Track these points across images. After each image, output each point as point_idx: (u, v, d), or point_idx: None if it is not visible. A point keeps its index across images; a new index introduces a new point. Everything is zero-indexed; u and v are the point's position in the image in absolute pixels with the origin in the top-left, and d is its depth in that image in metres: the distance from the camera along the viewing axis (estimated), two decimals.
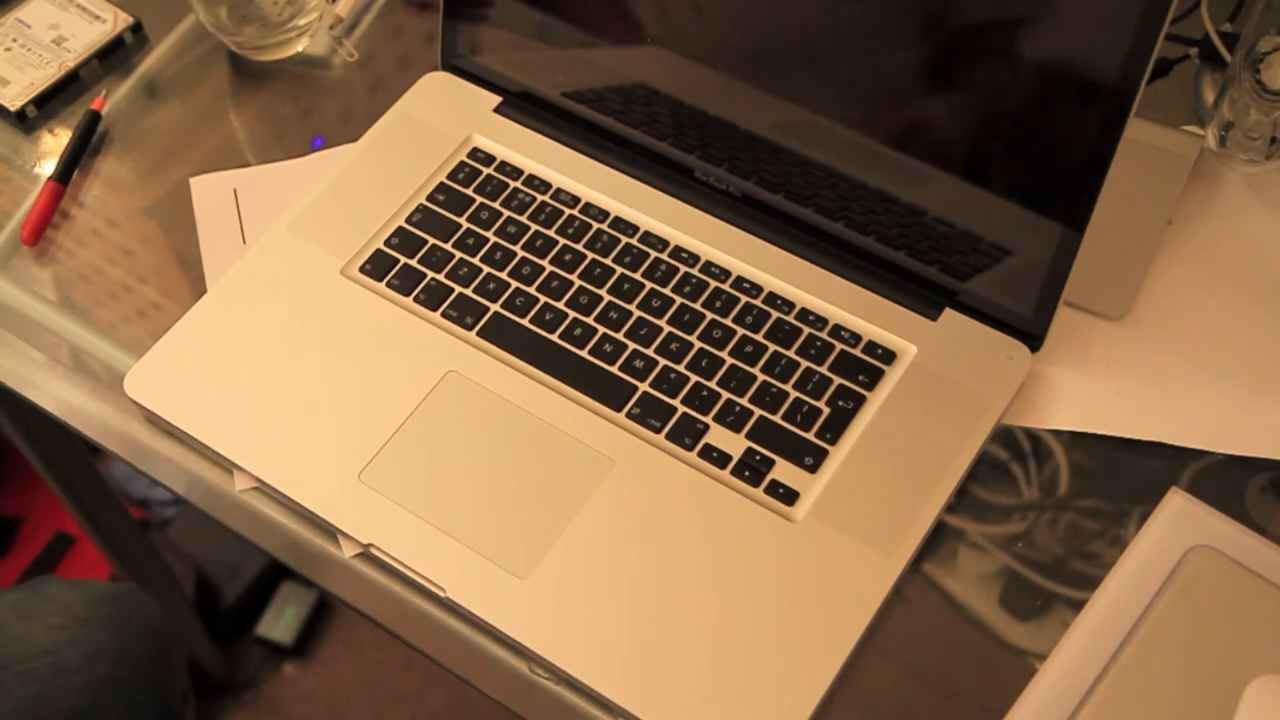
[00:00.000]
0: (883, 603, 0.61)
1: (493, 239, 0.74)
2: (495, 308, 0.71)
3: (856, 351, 0.69)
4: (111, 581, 1.30)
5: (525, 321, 0.71)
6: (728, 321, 0.70)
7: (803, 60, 0.68)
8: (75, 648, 0.91)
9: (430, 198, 0.76)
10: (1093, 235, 0.63)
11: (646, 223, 0.74)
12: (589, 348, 0.69)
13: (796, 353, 0.69)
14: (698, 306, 0.71)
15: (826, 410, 0.67)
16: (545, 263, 0.73)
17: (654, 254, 0.73)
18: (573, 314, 0.71)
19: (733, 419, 0.67)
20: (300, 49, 0.86)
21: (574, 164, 0.77)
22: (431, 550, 0.63)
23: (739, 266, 0.72)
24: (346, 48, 0.86)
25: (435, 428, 0.67)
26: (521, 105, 0.79)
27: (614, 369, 0.69)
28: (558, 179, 0.76)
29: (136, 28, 0.87)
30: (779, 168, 0.72)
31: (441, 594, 0.62)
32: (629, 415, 0.67)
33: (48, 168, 0.82)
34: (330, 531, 0.65)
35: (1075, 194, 0.63)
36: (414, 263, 0.73)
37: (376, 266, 0.73)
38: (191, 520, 1.50)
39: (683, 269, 0.72)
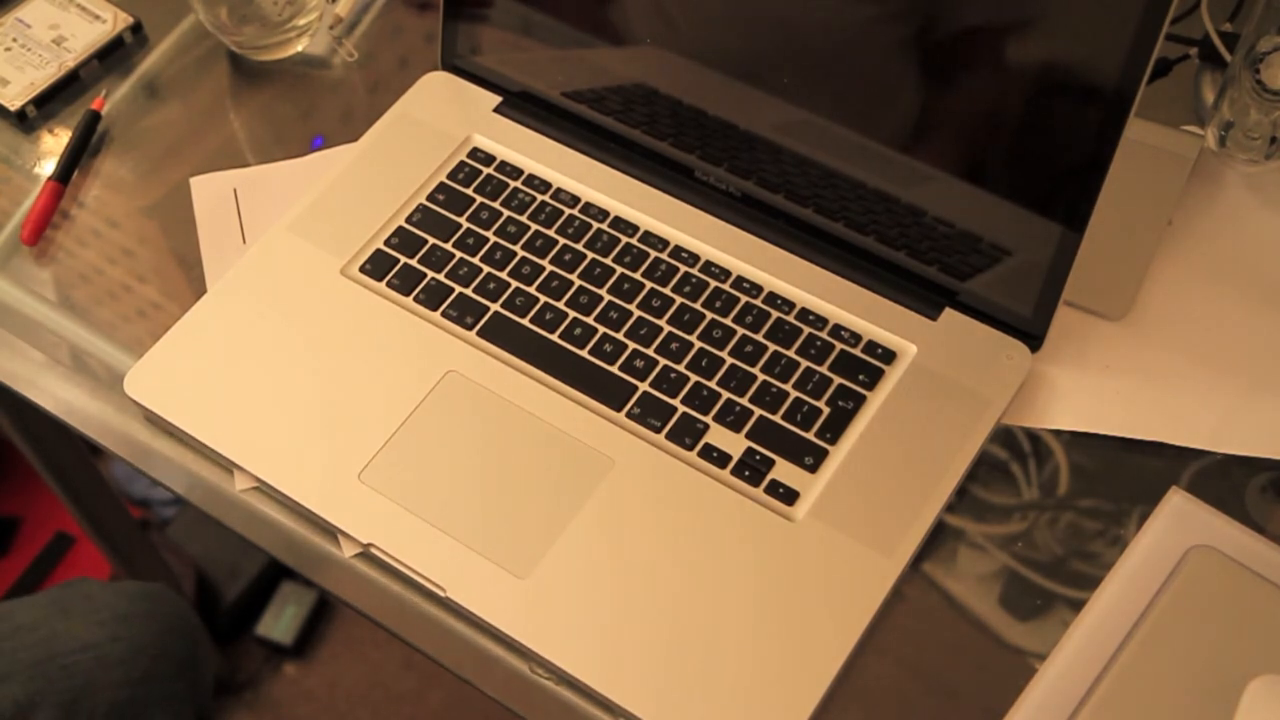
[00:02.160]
0: (883, 603, 0.61)
1: (493, 239, 0.74)
2: (495, 307, 0.71)
3: (856, 351, 0.69)
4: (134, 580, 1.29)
5: (525, 321, 0.71)
6: (728, 321, 0.70)
7: (803, 60, 0.68)
8: (117, 643, 0.92)
9: (430, 197, 0.76)
10: (1093, 235, 0.63)
11: (646, 222, 0.74)
12: (589, 347, 0.69)
13: (796, 352, 0.69)
14: (698, 306, 0.71)
15: (826, 410, 0.67)
16: (545, 262, 0.73)
17: (654, 254, 0.73)
18: (573, 314, 0.71)
19: (733, 419, 0.67)
20: (300, 49, 0.86)
21: (574, 164, 0.77)
22: (431, 550, 0.63)
23: (739, 266, 0.72)
24: (346, 48, 0.86)
25: (435, 427, 0.67)
26: (521, 105, 0.79)
27: (614, 369, 0.69)
28: (558, 179, 0.76)
29: (136, 28, 0.87)
30: (779, 168, 0.71)
31: (441, 594, 0.62)
32: (629, 415, 0.67)
33: (48, 168, 0.82)
34: (330, 531, 0.65)
35: (1075, 194, 0.63)
36: (414, 262, 0.73)
37: (376, 266, 0.73)
38: (191, 520, 1.50)
39: (683, 269, 0.72)
